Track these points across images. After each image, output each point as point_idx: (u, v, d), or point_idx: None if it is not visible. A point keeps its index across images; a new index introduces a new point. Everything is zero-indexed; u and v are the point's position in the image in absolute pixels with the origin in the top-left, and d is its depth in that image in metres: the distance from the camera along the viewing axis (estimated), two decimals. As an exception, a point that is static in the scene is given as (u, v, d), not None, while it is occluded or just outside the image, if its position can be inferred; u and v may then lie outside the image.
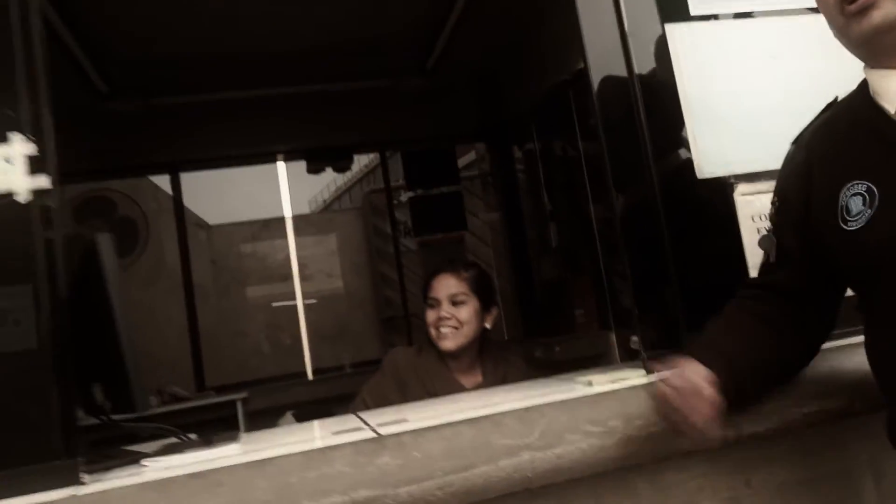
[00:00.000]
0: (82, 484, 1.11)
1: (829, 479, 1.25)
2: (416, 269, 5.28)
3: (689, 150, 1.42)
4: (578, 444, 1.13)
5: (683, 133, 1.43)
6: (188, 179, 4.84)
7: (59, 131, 1.19)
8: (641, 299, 1.41)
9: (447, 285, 2.02)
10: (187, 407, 3.64)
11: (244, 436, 1.43)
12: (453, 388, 1.96)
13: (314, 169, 4.58)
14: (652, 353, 1.37)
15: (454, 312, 1.98)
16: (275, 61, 3.52)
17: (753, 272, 1.38)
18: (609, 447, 1.14)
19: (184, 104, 3.73)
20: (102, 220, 3.67)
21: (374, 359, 4.71)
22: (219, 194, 6.02)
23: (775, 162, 1.26)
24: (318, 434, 1.26)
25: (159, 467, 1.18)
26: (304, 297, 6.34)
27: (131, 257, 3.72)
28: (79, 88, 3.30)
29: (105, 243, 1.18)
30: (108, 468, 1.22)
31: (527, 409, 1.17)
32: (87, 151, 3.85)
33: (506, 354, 2.13)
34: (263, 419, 3.75)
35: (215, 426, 3.67)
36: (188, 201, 5.67)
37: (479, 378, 2.02)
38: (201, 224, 6.52)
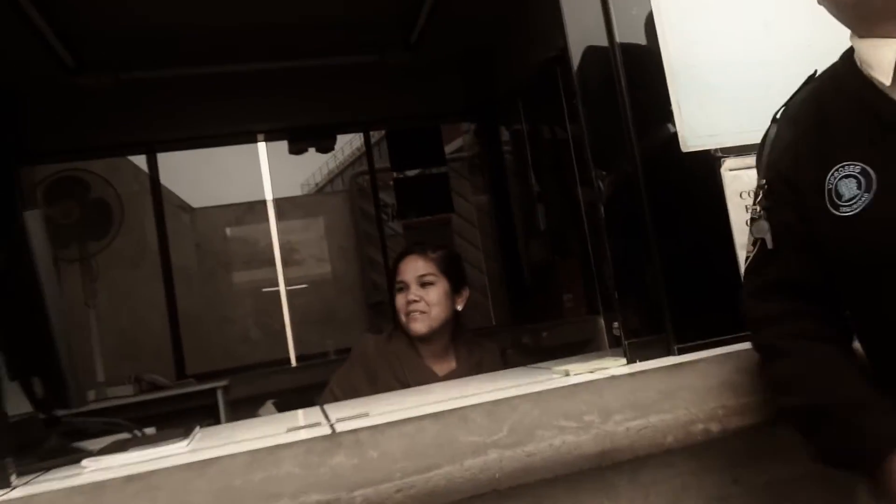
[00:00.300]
0: (10, 488, 1.02)
1: (820, 475, 1.17)
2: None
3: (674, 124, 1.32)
4: (551, 441, 1.04)
5: (670, 107, 1.34)
6: (170, 160, 4.72)
7: (26, 107, 1.08)
8: (622, 282, 1.32)
9: (415, 267, 1.93)
10: (165, 396, 3.53)
11: (199, 431, 1.34)
12: (425, 375, 1.87)
13: (296, 149, 4.46)
14: (634, 340, 1.29)
15: (423, 295, 1.89)
16: (252, 35, 3.39)
17: (741, 251, 1.30)
18: (585, 443, 1.05)
19: (158, 80, 3.60)
20: (74, 202, 3.53)
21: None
22: (202, 176, 5.90)
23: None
24: (273, 430, 1.17)
25: (98, 468, 1.09)
26: (292, 282, 6.24)
27: (105, 240, 3.59)
28: (44, 63, 3.17)
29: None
30: (45, 469, 1.13)
31: (495, 403, 1.08)
32: (58, 130, 3.73)
33: (480, 340, 2.04)
34: (246, 408, 3.67)
35: (195, 415, 3.58)
36: (171, 183, 5.55)
37: (452, 365, 1.94)
38: (185, 207, 6.39)
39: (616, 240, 1.31)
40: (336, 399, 1.77)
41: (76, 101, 3.58)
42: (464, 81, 4.21)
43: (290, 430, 1.15)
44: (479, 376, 1.64)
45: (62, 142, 3.79)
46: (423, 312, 1.88)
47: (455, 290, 1.95)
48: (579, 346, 3.26)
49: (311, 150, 4.57)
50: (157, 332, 4.16)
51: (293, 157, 4.58)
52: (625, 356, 1.28)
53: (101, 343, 3.66)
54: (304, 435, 1.06)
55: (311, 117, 4.16)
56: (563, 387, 1.12)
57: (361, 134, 4.71)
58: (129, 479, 0.96)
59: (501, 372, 1.59)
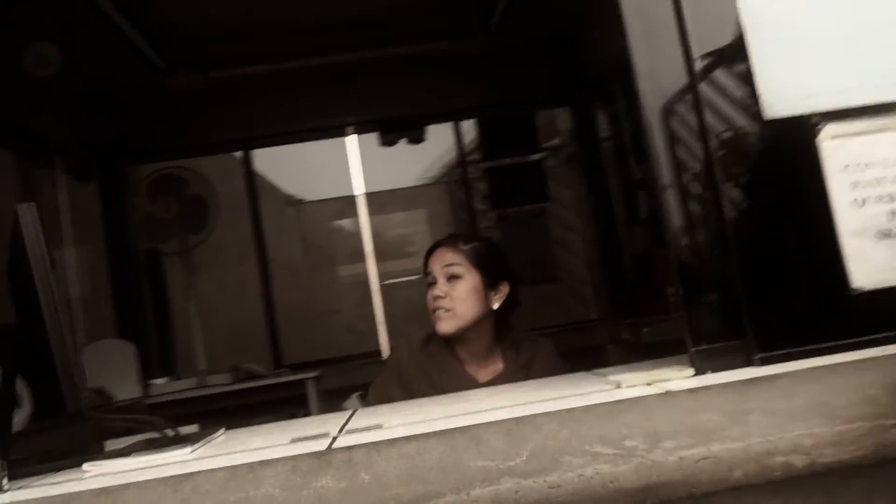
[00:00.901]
0: (3, 491, 0.97)
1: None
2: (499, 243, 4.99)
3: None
4: (581, 471, 0.85)
5: (748, 64, 1.10)
6: (275, 156, 4.83)
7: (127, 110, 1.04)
8: (688, 275, 1.10)
9: (442, 258, 1.77)
10: (257, 385, 3.59)
11: (220, 434, 1.26)
12: (463, 381, 1.71)
13: (387, 141, 4.41)
14: (705, 346, 1.07)
15: (449, 290, 1.72)
16: (338, 27, 3.36)
17: (848, 241, 1.04)
18: (623, 475, 0.86)
19: (248, 77, 3.66)
20: (173, 198, 3.65)
21: None
22: (308, 171, 6.00)
23: (875, 93, 0.91)
24: (278, 440, 1.06)
25: (97, 473, 1.03)
26: (394, 275, 6.23)
27: (202, 234, 3.70)
28: (138, 67, 3.28)
29: (27, 215, 1.02)
30: (46, 472, 1.08)
31: (517, 421, 0.91)
32: (157, 130, 3.88)
33: (531, 339, 1.85)
34: (338, 398, 3.67)
35: (288, 405, 3.62)
36: (278, 178, 5.69)
37: (498, 367, 1.76)
38: (290, 201, 6.55)
39: (677, 223, 1.09)
40: (374, 408, 1.65)
41: (171, 102, 3.71)
42: (554, 66, 3.98)
43: (293, 440, 1.03)
44: (514, 385, 1.45)
45: (162, 141, 3.94)
46: (448, 310, 1.71)
47: (489, 285, 1.77)
48: (681, 345, 2.97)
49: (402, 142, 4.52)
50: (256, 322, 4.25)
51: (406, 148, 4.53)
52: (692, 366, 1.06)
53: (201, 333, 3.78)
54: (297, 449, 0.94)
55: (401, 108, 4.09)
56: (602, 403, 0.93)
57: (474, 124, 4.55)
58: (102, 491, 0.87)
59: (545, 380, 1.40)
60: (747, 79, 1.08)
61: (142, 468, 1.01)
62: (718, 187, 1.08)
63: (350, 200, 6.44)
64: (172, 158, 3.89)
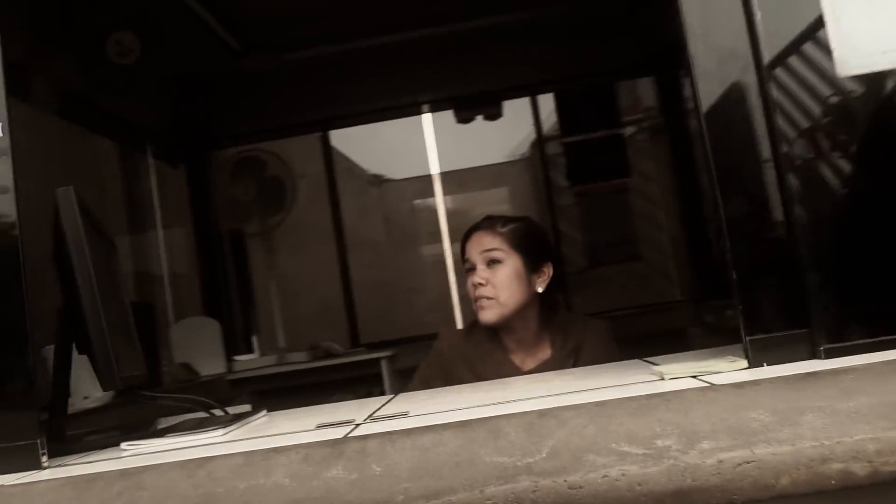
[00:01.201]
0: (39, 469, 1.01)
1: None
2: (576, 222, 4.85)
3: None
4: (606, 471, 0.79)
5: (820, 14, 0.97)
6: (354, 135, 4.87)
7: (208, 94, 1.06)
8: (747, 257, 0.99)
9: (480, 243, 1.69)
10: (333, 364, 3.66)
11: (260, 416, 1.27)
12: (506, 371, 1.64)
13: (463, 118, 4.35)
14: (761, 335, 0.97)
15: (489, 276, 1.65)
16: (409, 4, 3.32)
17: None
18: (653, 478, 0.78)
19: (322, 57, 3.68)
20: (252, 180, 3.76)
21: None
22: (387, 150, 6.03)
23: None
24: (304, 425, 1.04)
25: (135, 452, 1.06)
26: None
27: (280, 215, 3.79)
28: (215, 51, 3.36)
29: (65, 199, 1.05)
30: (89, 450, 1.12)
31: (541, 414, 0.84)
32: (238, 113, 3.98)
33: (580, 322, 1.76)
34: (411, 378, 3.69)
35: (364, 384, 3.67)
36: (358, 158, 5.75)
37: (546, 354, 1.68)
38: (374, 181, 6.62)
39: (729, 194, 0.98)
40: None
41: (251, 85, 3.79)
42: (637, 34, 3.78)
43: (319, 426, 1.01)
44: (553, 374, 1.37)
45: (245, 124, 4.05)
46: (490, 298, 1.64)
47: (532, 268, 1.68)
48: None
49: (479, 118, 4.45)
50: (335, 301, 4.33)
51: (484, 124, 4.46)
52: (746, 357, 0.96)
53: (281, 311, 3.88)
54: (318, 436, 0.92)
55: (476, 84, 4.01)
56: (636, 397, 0.85)
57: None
58: (123, 474, 0.88)
59: (587, 369, 1.32)
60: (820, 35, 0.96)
61: (172, 449, 1.02)
62: (782, 154, 0.97)
63: (431, 179, 6.45)
64: (254, 141, 4.00)
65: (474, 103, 4.21)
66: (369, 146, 5.69)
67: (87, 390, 2.48)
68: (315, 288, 4.64)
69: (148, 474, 0.87)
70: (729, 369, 0.94)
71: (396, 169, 6.37)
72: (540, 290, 1.69)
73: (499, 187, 6.58)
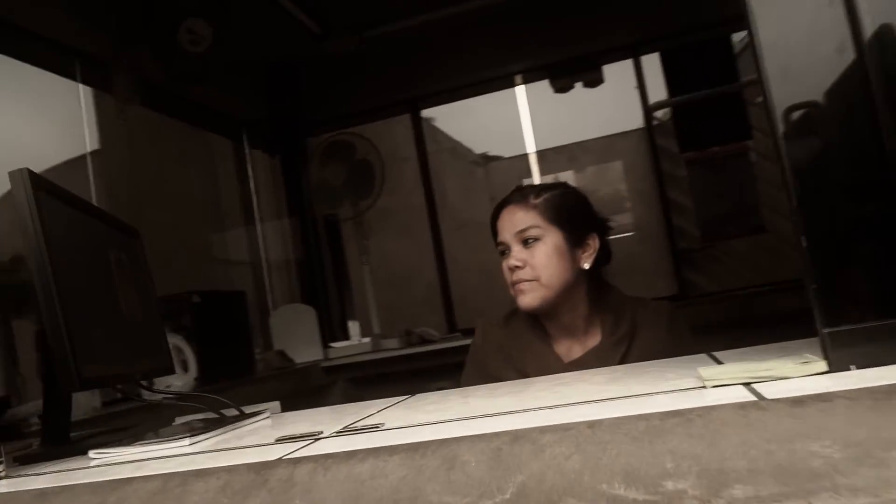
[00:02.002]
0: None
1: None
2: (692, 191, 4.41)
3: None
4: (589, 523, 0.56)
5: None
6: (451, 113, 4.71)
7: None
8: (824, 221, 0.71)
9: (512, 221, 1.45)
10: (428, 350, 3.54)
11: (263, 417, 1.13)
12: (547, 362, 1.41)
13: (560, 87, 4.05)
14: (845, 328, 0.69)
15: (527, 258, 1.40)
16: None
17: None
18: (657, 537, 0.55)
19: (403, 32, 3.53)
20: (342, 164, 3.69)
21: (668, 296, 4.16)
22: (487, 127, 5.83)
23: None
24: (265, 438, 0.89)
25: (100, 462, 0.95)
26: None
27: (370, 199, 3.69)
28: (297, 36, 3.30)
29: (16, 182, 0.95)
30: (50, 458, 1.03)
31: (515, 437, 0.63)
32: (328, 98, 3.93)
33: (640, 306, 1.48)
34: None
35: (459, 370, 3.53)
36: (462, 137, 5.59)
37: (595, 340, 1.42)
38: (478, 161, 6.44)
39: (797, 147, 0.71)
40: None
41: (337, 69, 3.73)
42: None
43: (278, 440, 0.85)
44: (577, 375, 1.11)
45: (335, 108, 4.00)
46: (530, 281, 1.40)
47: (575, 242, 1.42)
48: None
49: (578, 86, 4.13)
50: (432, 286, 4.20)
51: (585, 92, 4.17)
52: (825, 357, 0.69)
53: (376, 297, 3.81)
54: (258, 455, 0.76)
55: (571, 48, 3.71)
56: (647, 415, 0.61)
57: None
58: (41, 494, 0.77)
59: (627, 368, 1.06)
60: None
61: (135, 460, 0.91)
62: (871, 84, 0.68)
63: (537, 157, 6.16)
64: (346, 125, 3.94)
65: (571, 70, 3.89)
66: (470, 125, 5.51)
67: (169, 379, 2.52)
68: (411, 272, 4.54)
69: (65, 496, 0.75)
70: (797, 374, 0.68)
71: (501, 147, 6.16)
72: (586, 265, 1.44)
73: (611, 161, 6.20)
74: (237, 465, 0.71)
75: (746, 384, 0.69)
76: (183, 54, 2.70)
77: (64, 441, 1.16)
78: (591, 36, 3.69)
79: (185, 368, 2.49)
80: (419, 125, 4.09)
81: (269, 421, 1.13)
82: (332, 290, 4.12)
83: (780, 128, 0.71)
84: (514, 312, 1.52)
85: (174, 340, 2.49)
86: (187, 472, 0.72)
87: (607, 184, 6.21)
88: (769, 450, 0.55)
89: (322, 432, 0.85)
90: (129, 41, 2.70)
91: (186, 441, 0.94)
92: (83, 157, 3.22)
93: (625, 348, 1.40)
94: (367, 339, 3.69)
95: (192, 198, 3.82)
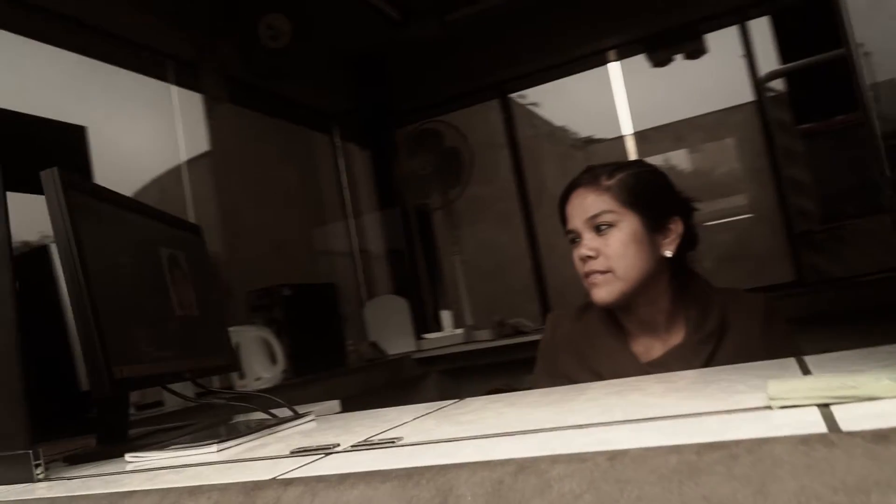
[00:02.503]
0: (37, 481, 0.92)
1: None
2: (810, 167, 4.01)
3: None
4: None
5: None
6: (547, 97, 4.55)
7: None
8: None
9: (582, 206, 1.29)
10: (521, 341, 3.43)
11: (312, 421, 1.08)
12: (621, 363, 1.27)
13: (658, 60, 3.80)
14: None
15: (600, 246, 1.25)
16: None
17: None
18: None
19: (485, 13, 3.41)
20: (429, 153, 3.64)
21: (783, 282, 3.85)
22: (582, 108, 5.60)
23: None
24: (280, 450, 0.82)
25: (136, 466, 0.93)
26: (703, 216, 5.52)
27: (459, 188, 3.62)
28: (373, 25, 3.27)
29: (48, 181, 0.94)
30: (94, 459, 1.02)
31: (521, 468, 0.53)
32: (416, 87, 3.89)
33: (731, 298, 1.31)
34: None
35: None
36: (558, 120, 5.40)
37: (679, 338, 1.26)
38: (577, 145, 6.21)
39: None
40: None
41: (421, 57, 3.67)
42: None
43: (293, 452, 0.79)
44: (644, 379, 0.96)
45: (423, 98, 3.96)
46: (603, 273, 1.25)
47: (655, 227, 1.26)
48: None
49: (678, 58, 3.85)
50: (525, 276, 4.08)
51: (686, 65, 3.91)
52: (929, 373, 0.54)
53: (467, 288, 3.74)
54: (258, 473, 0.70)
55: (668, 18, 3.45)
56: (682, 446, 0.49)
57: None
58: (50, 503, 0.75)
59: (684, 375, 0.90)
60: None
61: (165, 467, 0.87)
62: None
63: (641, 136, 5.86)
64: (435, 114, 3.88)
65: (669, 41, 3.64)
66: (566, 107, 5.31)
67: (258, 372, 2.57)
68: (506, 262, 4.44)
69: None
70: (890, 394, 0.53)
71: (600, 128, 5.90)
72: (668, 253, 1.29)
73: (723, 138, 5.80)
74: (231, 484, 0.65)
75: (822, 406, 0.55)
76: (264, 50, 2.73)
77: (121, 439, 1.16)
78: (690, 2, 3.42)
79: (274, 361, 2.52)
80: (508, 109, 3.97)
81: (313, 424, 1.08)
82: (424, 281, 4.09)
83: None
84: (589, 305, 1.39)
85: (262, 333, 2.53)
86: (182, 490, 0.67)
87: (721, 163, 5.83)
88: (834, 501, 0.42)
89: (338, 445, 0.78)
90: (215, 40, 2.76)
91: (214, 448, 0.90)
92: (198, 157, 3.37)
93: (711, 347, 1.24)
94: (459, 331, 3.64)
95: (293, 193, 3.90)
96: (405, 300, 3.69)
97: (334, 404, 1.36)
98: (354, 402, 2.83)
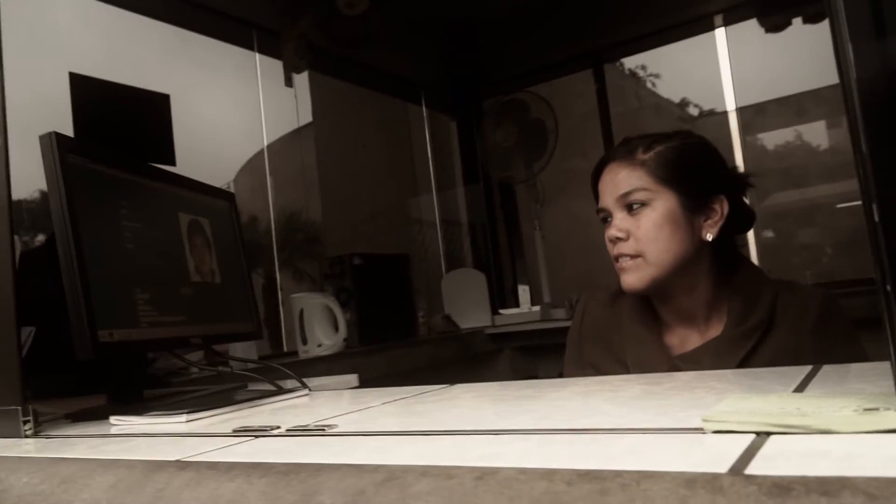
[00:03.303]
0: (25, 436, 0.95)
1: None
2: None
3: None
4: None
5: None
6: (651, 67, 4.31)
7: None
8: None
9: (614, 183, 1.16)
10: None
11: (306, 395, 1.06)
12: (652, 355, 1.14)
13: (772, 25, 3.47)
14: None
15: (630, 227, 1.12)
16: None
17: None
18: None
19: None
20: (513, 125, 3.52)
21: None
22: (692, 79, 5.25)
23: None
24: (227, 427, 0.79)
25: (120, 429, 0.94)
26: (837, 197, 5.08)
27: (543, 160, 3.48)
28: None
29: (45, 145, 0.95)
30: (92, 419, 1.04)
31: (391, 477, 0.46)
32: (504, 57, 3.78)
33: (782, 289, 1.15)
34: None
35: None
36: (670, 93, 5.11)
37: (718, 329, 1.13)
38: (685, 117, 5.85)
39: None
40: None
41: (515, 24, 3.55)
42: None
43: (235, 431, 0.76)
44: (624, 380, 0.83)
45: (511, 68, 3.84)
46: (633, 257, 1.12)
47: (695, 207, 1.11)
48: None
49: (796, 22, 3.50)
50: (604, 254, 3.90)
51: (807, 31, 3.56)
52: (904, 406, 0.42)
53: (546, 264, 3.63)
54: (182, 451, 0.67)
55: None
56: (551, 471, 0.41)
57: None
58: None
59: (674, 379, 0.77)
60: None
61: (140, 434, 0.87)
62: None
63: (759, 109, 5.42)
64: (526, 84, 3.75)
65: (786, 3, 3.31)
66: (671, 77, 4.99)
67: (319, 338, 2.60)
68: (589, 240, 4.26)
69: (23, 465, 0.73)
70: (852, 428, 0.42)
71: (710, 100, 5.52)
72: (710, 236, 1.15)
73: (842, 114, 5.26)
74: (139, 462, 0.63)
75: (761, 433, 0.45)
76: (342, 17, 2.71)
77: (136, 399, 1.19)
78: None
79: (336, 329, 2.55)
80: (602, 80, 3.77)
81: (305, 399, 1.06)
82: (504, 256, 4.00)
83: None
84: (618, 292, 1.28)
85: (326, 301, 2.55)
86: (102, 462, 0.66)
87: (844, 140, 5.31)
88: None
89: (279, 427, 0.74)
90: (295, 8, 2.77)
91: (183, 418, 0.89)
92: (301, 128, 3.45)
93: (752, 343, 1.10)
94: (536, 308, 3.54)
95: (389, 163, 3.93)
96: (482, 274, 3.63)
97: (352, 378, 1.33)
98: (420, 374, 2.84)
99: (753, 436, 0.45)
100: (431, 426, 0.65)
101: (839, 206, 5.02)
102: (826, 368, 0.73)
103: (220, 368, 1.27)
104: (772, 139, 5.16)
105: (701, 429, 0.48)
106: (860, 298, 1.31)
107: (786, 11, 3.41)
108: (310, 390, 1.10)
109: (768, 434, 0.45)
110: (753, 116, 5.33)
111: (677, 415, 0.55)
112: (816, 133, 5.25)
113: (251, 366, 1.28)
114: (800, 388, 0.63)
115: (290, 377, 1.21)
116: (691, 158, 1.17)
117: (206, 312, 1.25)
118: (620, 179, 1.17)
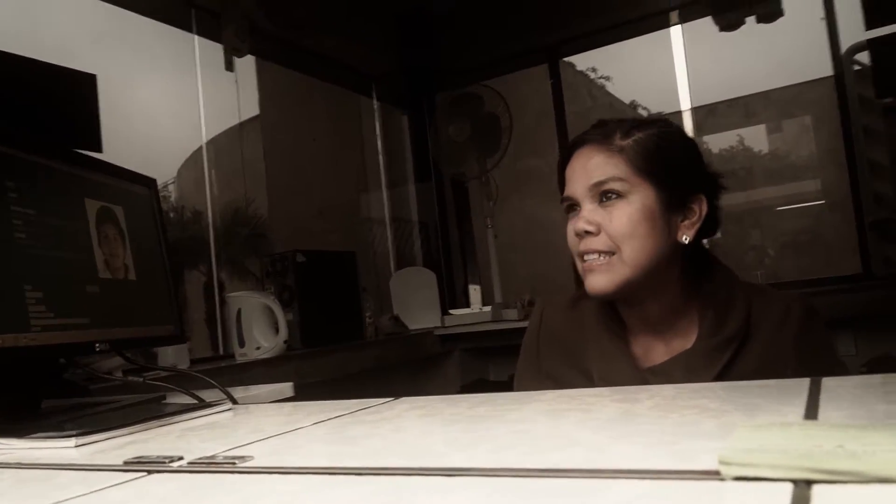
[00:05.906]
0: None
1: None
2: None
3: None
4: None
5: None
6: (604, 66, 4.26)
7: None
8: None
9: (585, 169, 1.04)
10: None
11: (229, 411, 0.92)
12: (618, 367, 1.04)
13: (726, 23, 3.45)
14: None
15: (601, 221, 1.01)
16: None
17: None
18: None
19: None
20: (467, 119, 3.41)
21: (849, 275, 3.54)
22: (645, 78, 5.24)
23: None
24: (118, 458, 0.65)
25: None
26: (774, 201, 5.14)
27: (496, 156, 3.38)
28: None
29: None
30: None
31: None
32: (458, 51, 3.67)
33: (759, 296, 1.05)
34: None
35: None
36: (616, 91, 5.07)
37: (690, 340, 1.03)
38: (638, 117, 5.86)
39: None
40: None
41: (470, 17, 3.44)
42: None
43: (127, 463, 0.62)
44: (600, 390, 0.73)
45: (466, 61, 3.73)
46: (606, 254, 1.01)
47: (673, 203, 1.01)
48: None
49: (750, 21, 3.48)
50: (557, 255, 3.83)
51: (760, 30, 3.54)
52: None
53: (498, 264, 3.53)
54: (70, 487, 0.53)
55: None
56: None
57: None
58: None
59: (648, 399, 0.67)
60: None
61: (5, 462, 0.72)
62: None
63: (710, 110, 5.45)
64: (480, 78, 3.64)
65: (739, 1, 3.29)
66: (623, 75, 4.97)
67: (258, 340, 2.44)
68: (536, 239, 4.19)
69: None
70: (884, 472, 0.31)
71: (660, 100, 5.52)
72: (686, 239, 1.04)
73: (799, 115, 5.34)
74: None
75: (799, 482, 0.34)
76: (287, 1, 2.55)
77: (29, 414, 1.02)
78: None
79: (277, 330, 2.39)
80: (557, 76, 3.69)
81: (228, 414, 0.92)
82: (455, 254, 3.89)
83: None
84: (580, 296, 1.17)
85: (265, 300, 2.39)
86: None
87: (798, 144, 5.38)
88: None
89: (181, 458, 0.60)
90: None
91: (72, 442, 0.74)
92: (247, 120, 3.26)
93: (729, 355, 1.00)
94: (487, 308, 3.43)
95: (338, 158, 3.77)
96: (433, 273, 3.51)
97: (286, 388, 1.19)
98: (366, 377, 2.70)
99: (791, 485, 0.33)
100: (366, 460, 0.52)
101: (779, 208, 5.10)
102: (827, 383, 0.63)
103: (130, 378, 1.11)
104: (718, 142, 5.20)
105: (717, 472, 0.36)
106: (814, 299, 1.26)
107: (740, 10, 3.39)
108: (234, 403, 0.95)
109: (808, 483, 0.33)
110: (710, 116, 5.35)
111: (675, 448, 0.44)
112: (761, 136, 5.31)
113: (164, 375, 1.13)
114: (811, 409, 0.53)
115: (213, 387, 1.06)
116: (671, 150, 1.05)
117: (117, 314, 1.09)
118: (595, 166, 1.04)
